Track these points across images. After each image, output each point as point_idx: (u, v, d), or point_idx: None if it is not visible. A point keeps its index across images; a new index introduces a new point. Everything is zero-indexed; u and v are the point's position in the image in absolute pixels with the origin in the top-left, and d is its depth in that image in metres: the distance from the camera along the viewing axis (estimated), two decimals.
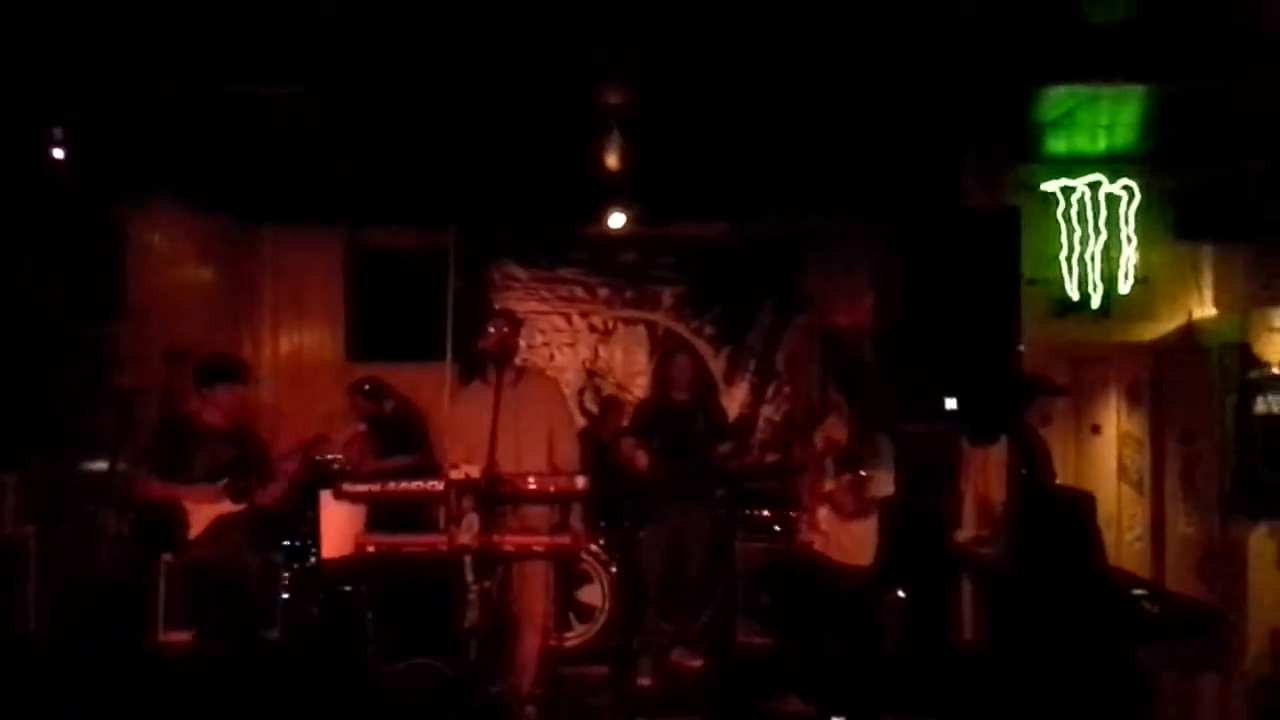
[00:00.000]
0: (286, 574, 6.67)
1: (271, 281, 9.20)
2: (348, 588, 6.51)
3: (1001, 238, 5.77)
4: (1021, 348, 6.65)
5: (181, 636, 6.39)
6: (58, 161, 5.76)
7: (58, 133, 5.69)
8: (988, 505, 5.93)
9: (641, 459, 6.07)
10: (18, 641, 5.86)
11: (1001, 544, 5.57)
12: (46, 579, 6.00)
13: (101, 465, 5.59)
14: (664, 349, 7.09)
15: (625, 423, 7.12)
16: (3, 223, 5.92)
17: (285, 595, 6.65)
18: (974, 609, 6.16)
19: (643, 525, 6.17)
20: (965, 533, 6.40)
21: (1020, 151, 6.50)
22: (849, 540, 5.50)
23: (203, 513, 5.23)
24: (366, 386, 7.46)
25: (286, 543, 6.73)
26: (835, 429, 5.67)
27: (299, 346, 9.17)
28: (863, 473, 5.44)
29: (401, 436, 7.24)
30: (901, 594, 6.01)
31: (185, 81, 5.41)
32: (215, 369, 5.38)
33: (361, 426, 7.30)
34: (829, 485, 5.51)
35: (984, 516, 6.02)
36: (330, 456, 7.53)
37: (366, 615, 6.39)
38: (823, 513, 5.53)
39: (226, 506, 5.19)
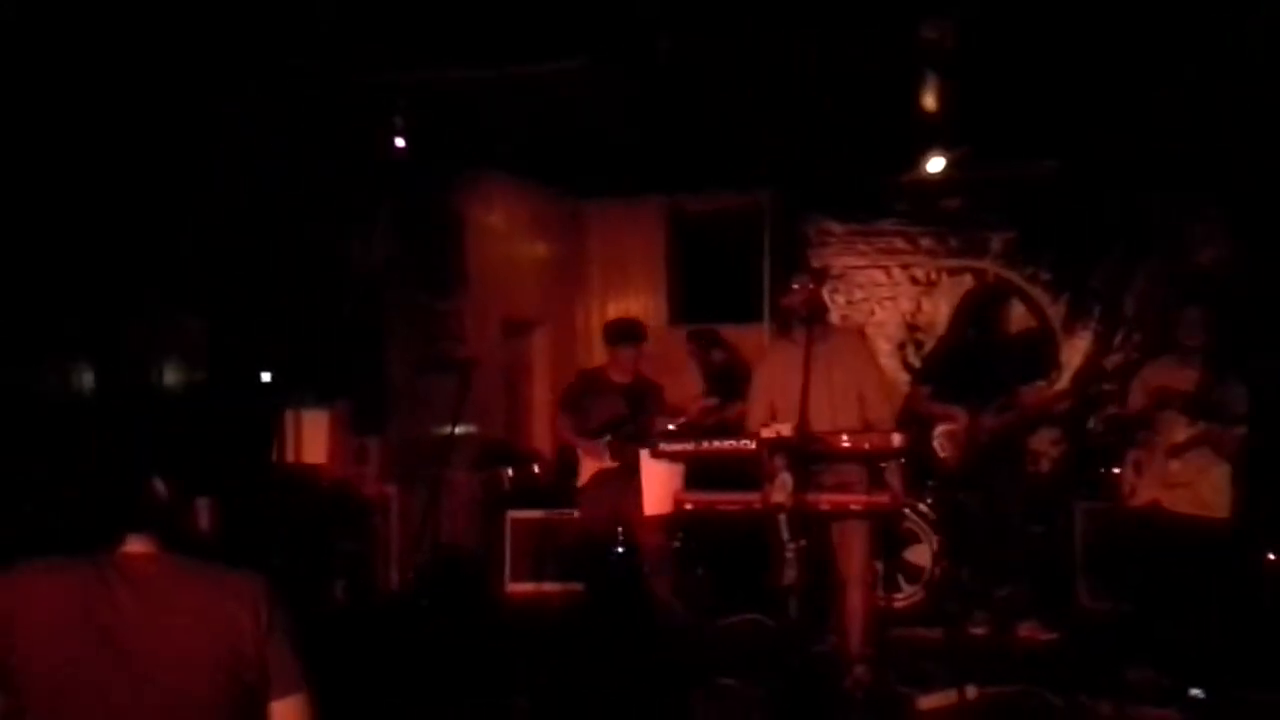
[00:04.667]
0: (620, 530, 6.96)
1: (599, 251, 9.62)
2: (676, 544, 6.69)
3: None
4: None
5: (526, 588, 6.90)
6: (400, 149, 6.24)
7: (399, 121, 6.15)
8: None
9: (934, 409, 5.79)
10: (382, 593, 6.52)
11: None
12: (406, 535, 6.62)
13: (447, 430, 6.08)
14: (980, 290, 6.62)
15: None
16: (356, 210, 6.53)
17: (620, 550, 6.96)
18: None
19: (961, 483, 5.87)
20: None
21: None
22: (1209, 492, 4.95)
23: (589, 465, 5.88)
24: (695, 333, 7.74)
25: None
26: (1169, 375, 5.09)
27: (625, 312, 9.43)
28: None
29: (727, 386, 7.36)
30: (1274, 555, 5.37)
31: (505, 63, 5.69)
32: (619, 331, 6.03)
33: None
34: (1181, 436, 4.97)
35: None
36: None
37: (696, 570, 6.55)
38: (1174, 465, 4.99)
39: (606, 462, 5.78)
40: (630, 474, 5.65)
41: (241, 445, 5.65)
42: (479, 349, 7.44)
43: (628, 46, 5.53)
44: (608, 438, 5.76)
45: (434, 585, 6.30)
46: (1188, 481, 4.96)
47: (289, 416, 6.17)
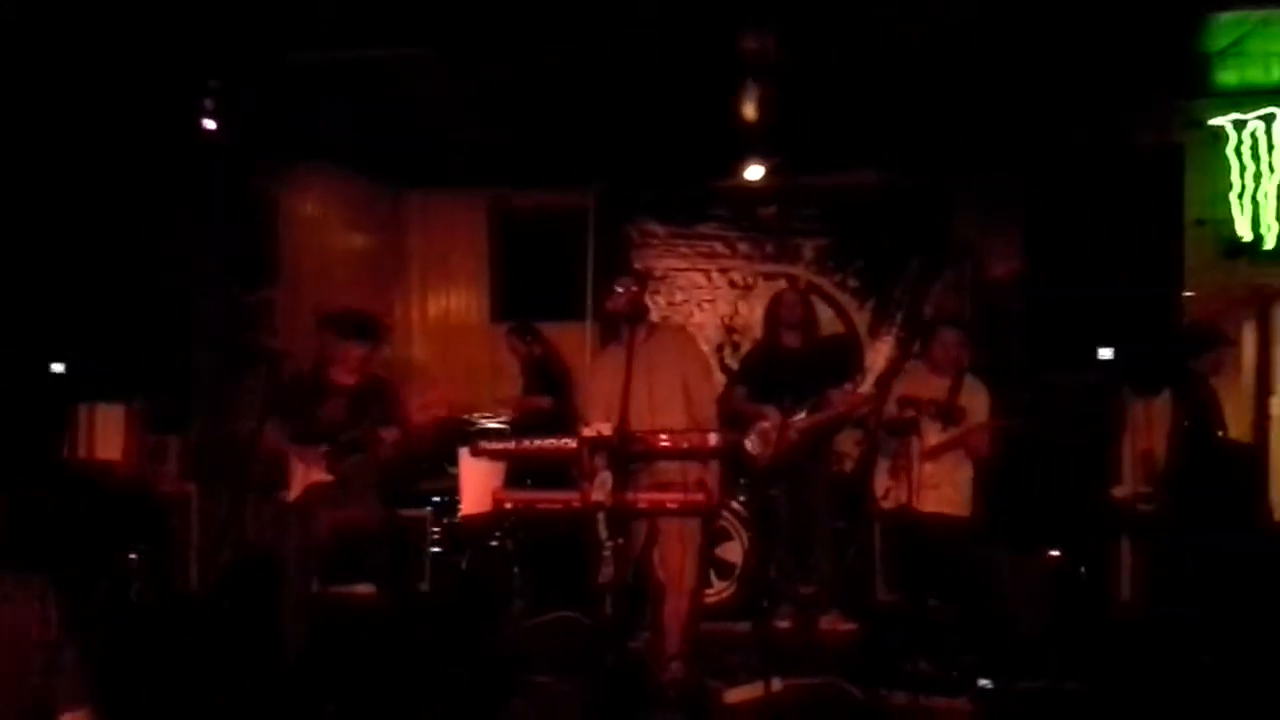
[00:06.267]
0: (435, 529, 6.86)
1: (419, 245, 9.46)
2: (494, 542, 6.65)
3: (1164, 178, 5.41)
4: (1188, 293, 6.27)
5: (337, 589, 6.71)
6: (210, 131, 5.94)
7: (209, 103, 5.86)
8: (1150, 460, 5.60)
9: (747, 408, 5.97)
10: (179, 595, 6.22)
11: (1163, 501, 5.26)
12: (205, 535, 6.33)
13: (252, 426, 5.83)
14: (781, 292, 6.88)
15: None
16: (160, 193, 6.21)
17: (434, 549, 6.86)
18: (1132, 569, 5.86)
19: (771, 481, 6.05)
20: (1125, 489, 6.10)
21: (1186, 85, 6.07)
22: (952, 490, 5.30)
23: (300, 477, 5.14)
24: (516, 327, 7.67)
25: (436, 499, 6.93)
26: (921, 384, 5.42)
27: (446, 308, 9.39)
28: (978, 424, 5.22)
29: (545, 380, 7.37)
30: (1055, 553, 5.76)
31: (325, 47, 5.52)
32: (347, 324, 5.25)
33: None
34: (932, 441, 5.29)
35: (1146, 472, 5.70)
36: (472, 415, 7.75)
37: (511, 569, 6.53)
38: (928, 468, 5.30)
39: (322, 474, 5.11)
40: (346, 490, 5.12)
41: (27, 441, 5.30)
42: (291, 343, 7.20)
43: (464, 38, 5.46)
44: (324, 447, 5.10)
45: (237, 587, 6.05)
46: (936, 484, 5.29)
47: (82, 411, 5.81)
